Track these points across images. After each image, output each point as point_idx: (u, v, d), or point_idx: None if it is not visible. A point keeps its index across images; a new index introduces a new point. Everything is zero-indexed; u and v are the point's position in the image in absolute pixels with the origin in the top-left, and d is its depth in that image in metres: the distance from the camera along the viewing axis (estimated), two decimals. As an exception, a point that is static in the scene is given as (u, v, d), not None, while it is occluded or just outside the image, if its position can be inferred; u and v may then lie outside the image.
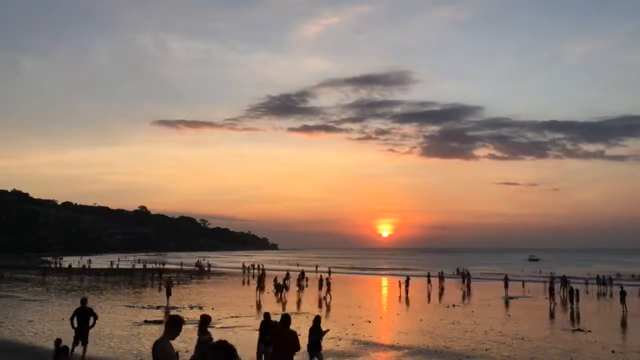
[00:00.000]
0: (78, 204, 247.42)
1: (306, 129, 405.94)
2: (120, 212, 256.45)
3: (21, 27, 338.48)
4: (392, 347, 17.52)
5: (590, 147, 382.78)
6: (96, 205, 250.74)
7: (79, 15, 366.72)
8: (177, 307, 28.37)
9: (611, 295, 40.29)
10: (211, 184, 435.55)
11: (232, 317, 24.75)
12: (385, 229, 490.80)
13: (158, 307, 28.44)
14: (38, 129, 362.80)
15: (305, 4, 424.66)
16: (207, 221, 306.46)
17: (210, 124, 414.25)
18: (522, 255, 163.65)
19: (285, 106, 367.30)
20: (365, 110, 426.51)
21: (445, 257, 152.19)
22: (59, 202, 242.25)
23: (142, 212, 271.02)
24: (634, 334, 22.56)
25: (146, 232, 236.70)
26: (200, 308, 28.25)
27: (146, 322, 22.33)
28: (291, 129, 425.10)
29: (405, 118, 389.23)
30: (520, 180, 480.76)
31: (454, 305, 31.02)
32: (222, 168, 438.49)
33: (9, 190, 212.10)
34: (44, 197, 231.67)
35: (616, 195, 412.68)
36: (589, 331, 21.41)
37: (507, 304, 34.10)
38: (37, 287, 42.46)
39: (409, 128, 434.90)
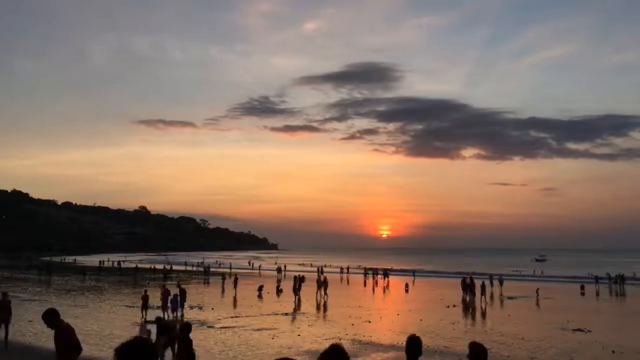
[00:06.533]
0: (78, 204, 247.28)
1: (289, 129, 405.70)
2: (120, 212, 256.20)
3: (18, 29, 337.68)
4: (392, 347, 17.52)
5: (577, 146, 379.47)
6: (96, 205, 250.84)
7: (76, 17, 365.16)
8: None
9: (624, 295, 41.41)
10: (210, 183, 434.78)
11: (232, 317, 24.75)
12: (382, 229, 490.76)
13: (158, 307, 28.37)
14: (38, 129, 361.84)
15: (282, 7, 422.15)
16: (207, 221, 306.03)
17: (192, 125, 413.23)
18: (520, 254, 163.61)
19: (265, 107, 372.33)
20: (347, 110, 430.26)
21: (451, 258, 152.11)
22: (59, 202, 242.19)
23: (142, 212, 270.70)
24: (634, 334, 22.54)
25: (146, 232, 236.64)
26: (200, 308, 28.26)
27: (146, 322, 22.33)
28: (274, 129, 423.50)
29: (389, 116, 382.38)
30: (511, 180, 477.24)
31: (454, 306, 31.01)
32: (217, 167, 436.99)
33: (9, 190, 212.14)
34: (44, 197, 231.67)
35: (612, 195, 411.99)
36: (589, 331, 21.42)
37: (504, 303, 34.14)
38: (37, 287, 42.48)
39: (393, 127, 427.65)
